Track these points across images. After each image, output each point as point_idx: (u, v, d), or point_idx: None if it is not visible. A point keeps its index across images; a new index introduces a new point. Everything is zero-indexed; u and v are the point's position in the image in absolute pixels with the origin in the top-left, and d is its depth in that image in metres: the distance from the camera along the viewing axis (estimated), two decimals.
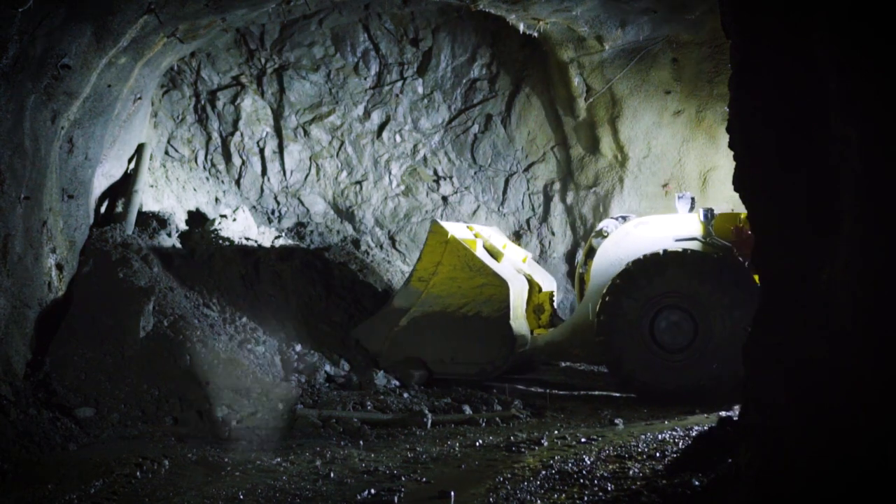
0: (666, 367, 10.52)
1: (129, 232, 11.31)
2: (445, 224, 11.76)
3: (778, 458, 4.86)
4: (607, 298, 10.79)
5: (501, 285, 11.23)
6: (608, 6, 12.65)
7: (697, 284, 10.50)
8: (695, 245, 10.85)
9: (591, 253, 11.70)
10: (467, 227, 12.51)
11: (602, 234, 11.72)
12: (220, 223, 13.30)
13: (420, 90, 15.37)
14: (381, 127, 15.47)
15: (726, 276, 10.48)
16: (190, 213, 13.87)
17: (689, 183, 14.01)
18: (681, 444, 7.85)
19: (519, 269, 12.54)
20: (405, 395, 10.45)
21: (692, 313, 10.54)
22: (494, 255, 12.03)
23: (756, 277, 10.56)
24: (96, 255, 10.49)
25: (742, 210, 11.64)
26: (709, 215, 11.07)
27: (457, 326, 11.39)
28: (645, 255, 10.72)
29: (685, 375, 10.40)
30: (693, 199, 11.54)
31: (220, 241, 12.49)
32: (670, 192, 14.06)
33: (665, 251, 10.70)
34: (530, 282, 12.50)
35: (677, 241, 10.86)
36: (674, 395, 10.29)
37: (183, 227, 13.12)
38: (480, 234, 12.36)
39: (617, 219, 12.08)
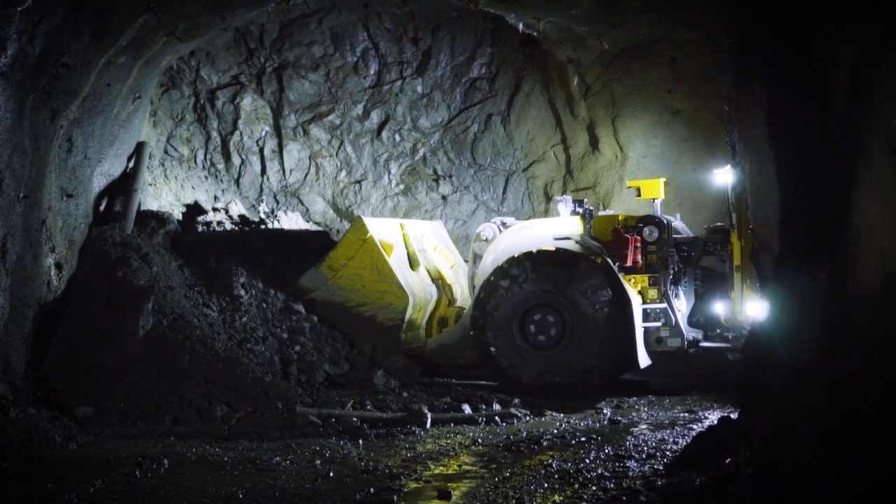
0: (536, 364, 10.81)
1: (129, 231, 11.29)
2: (369, 222, 11.88)
3: (777, 456, 4.86)
4: (481, 296, 11.10)
5: (402, 297, 11.46)
6: (607, 5, 12.64)
7: (564, 283, 10.80)
8: (568, 245, 11.09)
9: (476, 258, 11.91)
10: (400, 223, 12.63)
11: (481, 239, 11.95)
12: (213, 216, 13.33)
13: (420, 89, 15.36)
14: (381, 126, 15.46)
15: (593, 275, 10.76)
16: (189, 212, 13.85)
17: (688, 182, 13.99)
18: (681, 442, 7.85)
19: (440, 276, 12.69)
20: (405, 394, 10.45)
21: (560, 311, 10.83)
22: (413, 262, 12.19)
23: (627, 280, 10.80)
24: (96, 255, 10.48)
25: (622, 212, 11.98)
26: (587, 216, 11.36)
27: (351, 323, 11.61)
28: (515, 255, 10.99)
29: (554, 371, 10.72)
30: (580, 201, 11.80)
31: (217, 239, 12.48)
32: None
33: (534, 251, 10.96)
34: (446, 293, 12.70)
35: (555, 240, 11.15)
36: (544, 390, 10.58)
37: (182, 226, 13.09)
38: (409, 235, 12.44)
39: (495, 222, 12.28)
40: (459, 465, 7.46)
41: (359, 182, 15.59)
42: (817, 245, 4.96)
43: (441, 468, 7.37)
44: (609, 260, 10.85)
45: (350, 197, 15.56)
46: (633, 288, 10.93)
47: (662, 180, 11.71)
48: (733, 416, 7.09)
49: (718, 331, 11.22)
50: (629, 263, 11.03)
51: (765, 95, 5.34)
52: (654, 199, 11.60)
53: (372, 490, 6.59)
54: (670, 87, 13.89)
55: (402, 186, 15.68)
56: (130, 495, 6.54)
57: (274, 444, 8.17)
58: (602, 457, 7.52)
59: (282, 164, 15.29)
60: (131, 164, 12.16)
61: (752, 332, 5.99)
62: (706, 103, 13.71)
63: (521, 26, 13.60)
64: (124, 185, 11.82)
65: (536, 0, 12.52)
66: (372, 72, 15.19)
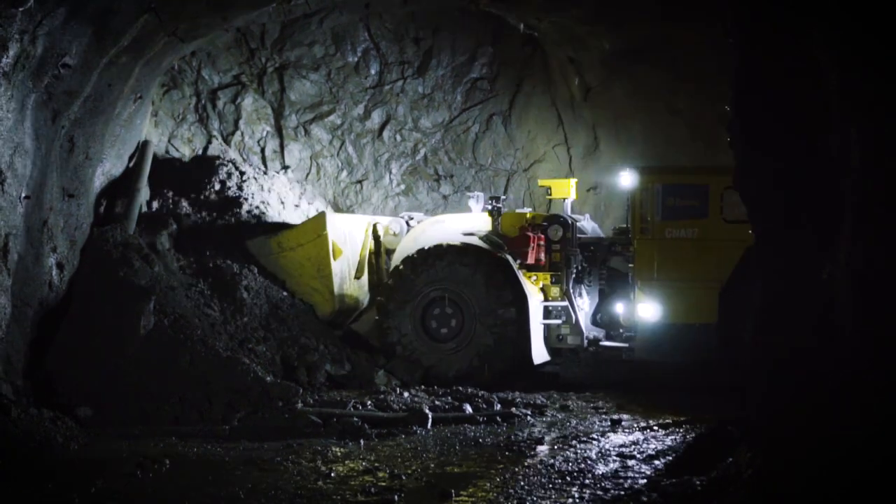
0: (433, 354, 11.23)
1: (130, 231, 11.30)
2: (332, 220, 12.14)
3: (778, 456, 4.87)
4: (389, 283, 11.53)
5: (327, 303, 11.90)
6: (607, 5, 12.63)
7: (465, 278, 11.20)
8: (472, 241, 11.47)
9: (389, 252, 12.37)
10: (374, 223, 12.74)
11: (390, 233, 12.38)
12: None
13: (421, 89, 15.37)
14: (382, 126, 15.47)
15: (492, 271, 11.15)
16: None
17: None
18: (682, 443, 7.86)
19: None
20: (406, 394, 10.45)
21: (460, 305, 11.24)
22: (360, 269, 12.43)
23: (528, 277, 11.20)
24: (97, 255, 10.48)
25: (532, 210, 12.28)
26: (495, 214, 11.63)
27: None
28: (426, 247, 11.43)
29: (451, 362, 11.14)
30: (497, 198, 12.04)
31: (218, 239, 12.49)
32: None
33: (443, 245, 11.37)
34: None
35: (463, 236, 11.55)
36: (439, 379, 10.97)
37: (183, 226, 13.08)
38: (380, 235, 12.54)
39: (403, 217, 12.72)
40: (460, 465, 7.47)
41: (360, 182, 15.59)
42: (818, 245, 4.96)
43: (442, 468, 7.37)
44: (509, 257, 11.18)
45: (351, 197, 15.56)
46: (534, 285, 11.31)
47: (573, 180, 12.17)
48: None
49: (621, 330, 11.47)
50: (530, 261, 11.36)
51: (764, 96, 5.34)
52: (564, 199, 11.96)
53: (373, 490, 6.59)
54: (671, 87, 13.87)
55: (403, 186, 15.68)
56: (132, 495, 6.55)
57: (275, 443, 8.18)
58: (603, 457, 7.52)
59: (283, 164, 15.28)
60: (133, 164, 12.17)
61: (754, 332, 5.99)
62: (707, 103, 13.68)
63: (521, 26, 13.59)
64: (126, 185, 11.83)
65: (537, 0, 12.51)
66: (373, 72, 15.19)
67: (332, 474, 7.06)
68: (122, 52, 9.97)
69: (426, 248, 11.40)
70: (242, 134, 15.05)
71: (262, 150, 15.23)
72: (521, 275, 11.13)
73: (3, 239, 8.59)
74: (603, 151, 14.71)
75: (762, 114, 5.42)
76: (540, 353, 11.13)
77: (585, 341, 11.32)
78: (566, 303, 11.31)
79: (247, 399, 9.41)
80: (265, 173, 14.38)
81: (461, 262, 11.23)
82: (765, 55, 5.33)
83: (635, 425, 8.99)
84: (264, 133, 15.16)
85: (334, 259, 11.91)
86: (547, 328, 11.33)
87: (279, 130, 15.23)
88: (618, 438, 8.37)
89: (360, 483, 6.82)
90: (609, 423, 9.16)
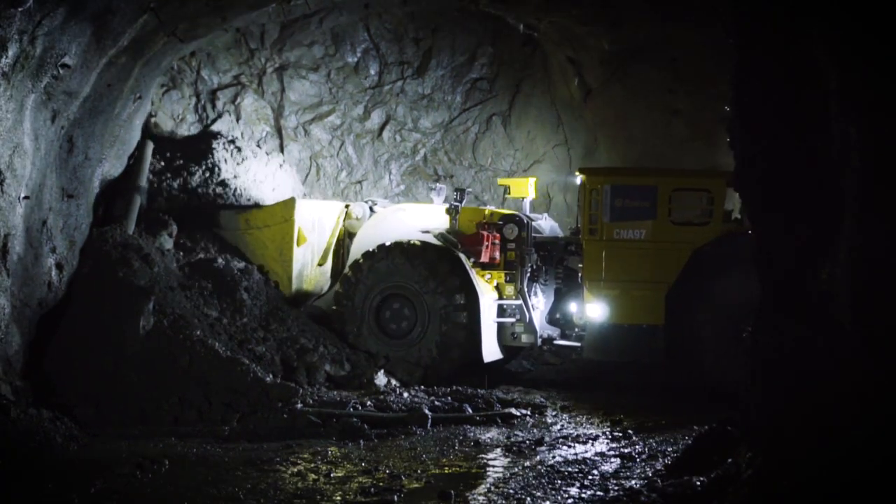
0: (388, 350, 11.38)
1: (130, 231, 11.29)
2: (301, 206, 12.25)
3: (778, 456, 4.87)
4: (348, 275, 11.70)
5: (285, 287, 12.07)
6: (607, 5, 12.64)
7: (419, 275, 11.34)
8: (428, 238, 11.64)
9: (351, 236, 12.53)
10: (345, 207, 12.87)
11: (353, 217, 12.58)
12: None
13: (420, 90, 15.37)
14: (382, 126, 15.47)
15: (445, 270, 11.28)
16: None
17: None
18: (682, 443, 7.86)
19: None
20: (405, 394, 10.45)
21: (413, 303, 11.39)
22: (325, 256, 12.59)
23: (482, 275, 11.37)
24: (96, 255, 10.48)
25: (487, 206, 12.41)
26: (453, 212, 11.82)
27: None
28: (386, 244, 11.58)
29: (403, 360, 11.29)
30: (462, 191, 12.27)
31: (218, 239, 12.49)
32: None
33: (402, 242, 11.53)
34: None
35: (423, 232, 11.74)
36: (393, 374, 11.14)
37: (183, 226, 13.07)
38: (350, 219, 12.75)
39: (367, 202, 12.89)
40: (460, 466, 7.47)
41: (360, 182, 15.59)
42: (818, 245, 4.96)
43: (441, 468, 7.37)
44: (462, 255, 11.28)
45: (351, 197, 15.57)
46: (487, 284, 11.44)
47: (532, 180, 12.36)
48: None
49: (576, 329, 11.65)
50: (484, 259, 11.47)
51: (764, 96, 5.34)
52: (523, 198, 12.14)
53: (372, 490, 6.59)
54: (671, 87, 13.87)
55: (402, 187, 15.68)
56: (131, 496, 6.55)
57: (274, 444, 8.18)
58: (603, 457, 7.52)
59: (282, 164, 15.28)
60: (132, 164, 12.16)
61: (753, 332, 5.99)
62: (706, 103, 13.68)
63: (521, 27, 13.58)
64: (126, 185, 11.83)
65: (537, 0, 12.52)
66: (372, 72, 15.20)
67: (332, 475, 7.06)
68: (121, 53, 9.97)
69: (391, 243, 11.53)
70: (242, 134, 15.05)
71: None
72: (473, 273, 11.25)
73: (3, 239, 8.59)
74: (603, 152, 14.71)
75: (762, 114, 5.42)
76: (491, 352, 11.24)
77: (539, 340, 11.48)
78: (520, 301, 11.43)
79: (246, 399, 9.41)
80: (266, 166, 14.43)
81: (417, 260, 11.31)
82: (765, 55, 5.33)
83: (634, 425, 9.00)
84: (264, 133, 15.16)
85: (297, 246, 12.10)
86: (501, 326, 11.45)
87: (279, 131, 15.23)
88: (617, 438, 8.37)
89: (359, 483, 6.81)
90: (609, 423, 9.16)
